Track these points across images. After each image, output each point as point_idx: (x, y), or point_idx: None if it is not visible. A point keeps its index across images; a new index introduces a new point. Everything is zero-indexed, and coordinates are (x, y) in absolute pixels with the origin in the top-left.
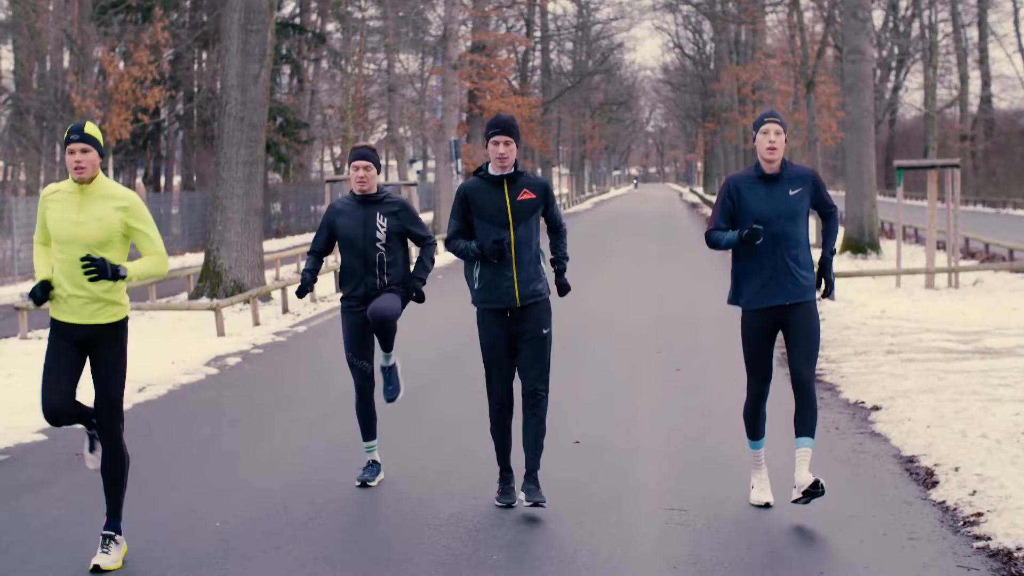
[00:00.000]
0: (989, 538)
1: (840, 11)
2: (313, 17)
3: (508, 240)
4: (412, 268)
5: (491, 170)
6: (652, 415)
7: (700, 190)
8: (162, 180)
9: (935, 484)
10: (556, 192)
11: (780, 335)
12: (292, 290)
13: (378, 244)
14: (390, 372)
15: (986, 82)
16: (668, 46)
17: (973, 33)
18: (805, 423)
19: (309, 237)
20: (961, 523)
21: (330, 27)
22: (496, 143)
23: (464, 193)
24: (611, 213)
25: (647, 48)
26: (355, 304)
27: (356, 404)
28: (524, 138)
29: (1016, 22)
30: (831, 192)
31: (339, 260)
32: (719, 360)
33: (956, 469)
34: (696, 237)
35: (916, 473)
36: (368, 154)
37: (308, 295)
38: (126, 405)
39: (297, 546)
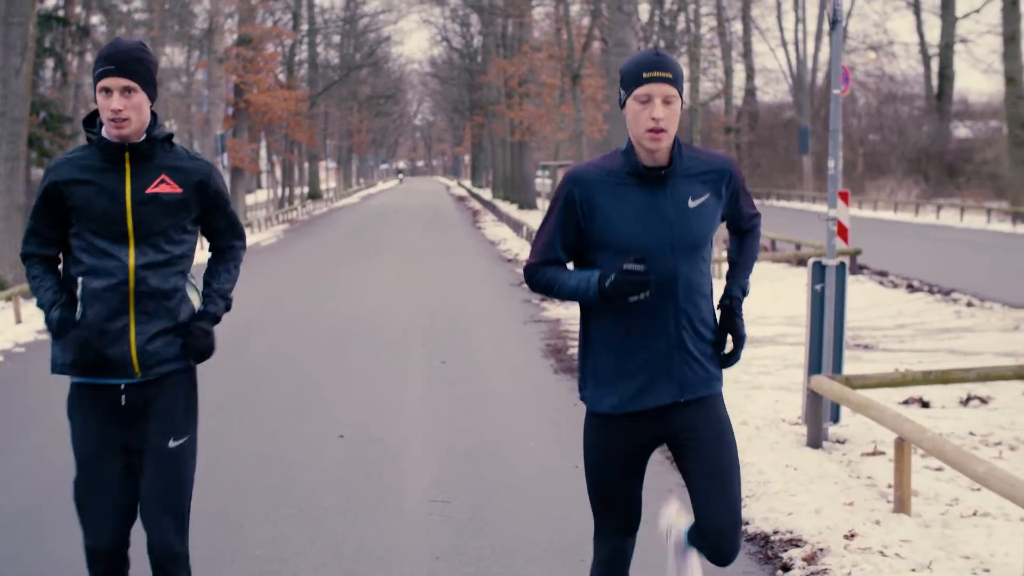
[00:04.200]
0: (747, 523)
1: (606, 4)
2: (77, 10)
3: (124, 283)
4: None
5: (105, 134)
6: (417, 407)
7: (468, 183)
8: None
9: None
10: (324, 187)
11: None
12: None
13: None
14: None
15: (750, 75)
16: (436, 39)
17: (737, 27)
18: None
19: None
20: None
21: (95, 20)
22: (106, 91)
23: (55, 179)
24: (380, 207)
25: (415, 41)
26: None
27: None
28: (290, 132)
29: (779, 16)
30: None
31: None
32: (485, 350)
33: None
34: (463, 227)
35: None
36: None
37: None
38: None
39: (57, 545)
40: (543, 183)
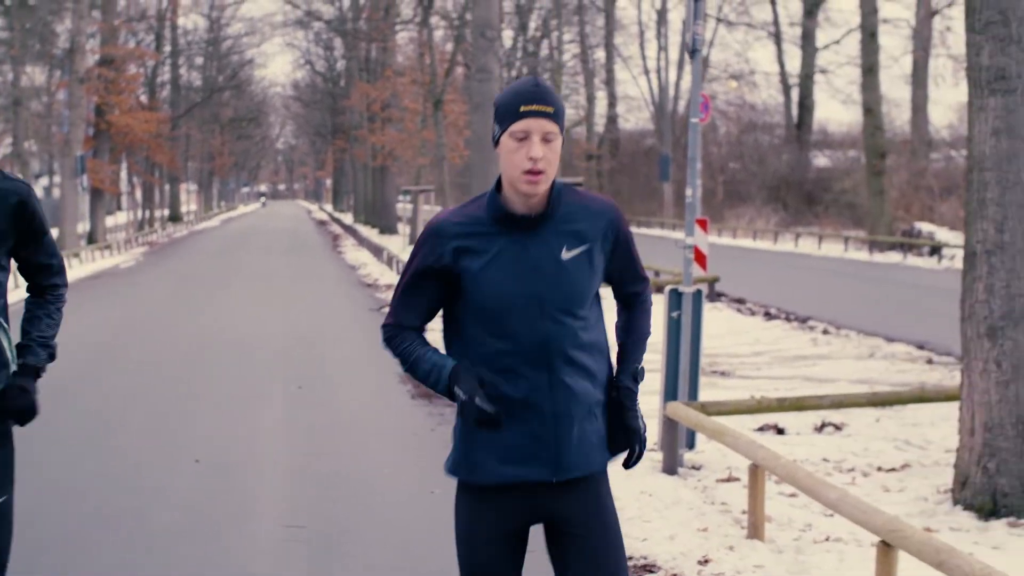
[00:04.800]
0: None
1: (469, 30)
2: None
3: None
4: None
5: None
6: (274, 432)
7: (329, 207)
8: None
9: None
10: (184, 209)
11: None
12: None
13: None
14: None
15: (612, 102)
16: (299, 62)
17: (600, 54)
18: None
19: None
20: None
21: None
22: None
23: None
24: (240, 230)
25: (278, 64)
26: None
27: None
28: (152, 154)
29: (642, 44)
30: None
31: None
32: (342, 375)
33: None
34: (324, 252)
35: None
36: None
37: None
38: None
39: None
40: (404, 208)
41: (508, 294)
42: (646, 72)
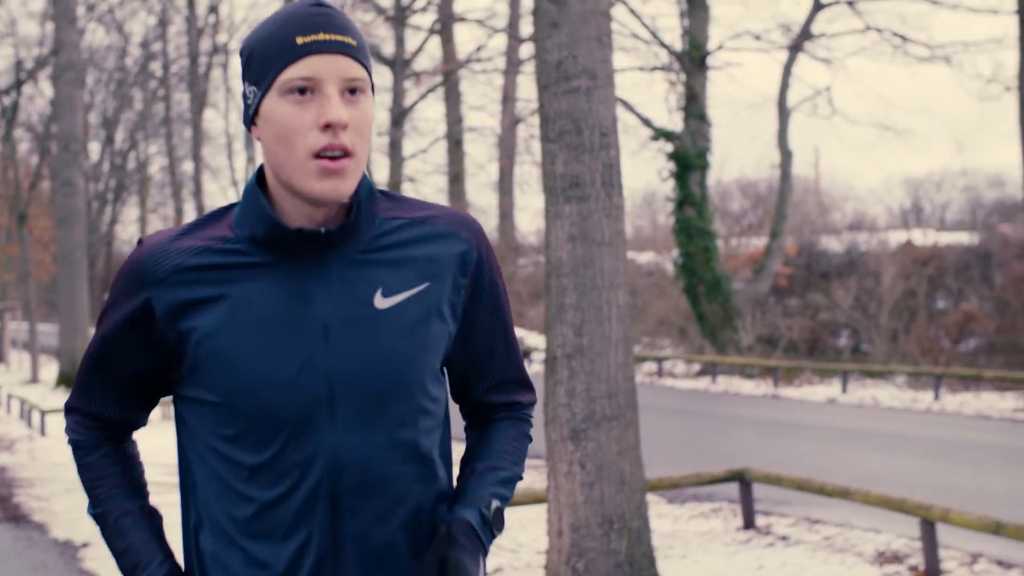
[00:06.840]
0: None
1: (54, 143)
2: None
3: None
4: None
5: None
6: None
7: None
8: None
9: None
10: None
11: None
12: None
13: None
14: None
15: (201, 213)
16: None
17: (189, 166)
18: None
19: None
20: None
21: None
22: None
23: None
24: None
25: None
26: None
27: None
28: None
29: (230, 156)
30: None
31: None
32: None
33: None
34: None
35: None
36: None
37: None
38: None
39: None
40: None
41: (265, 378)
42: (234, 183)
